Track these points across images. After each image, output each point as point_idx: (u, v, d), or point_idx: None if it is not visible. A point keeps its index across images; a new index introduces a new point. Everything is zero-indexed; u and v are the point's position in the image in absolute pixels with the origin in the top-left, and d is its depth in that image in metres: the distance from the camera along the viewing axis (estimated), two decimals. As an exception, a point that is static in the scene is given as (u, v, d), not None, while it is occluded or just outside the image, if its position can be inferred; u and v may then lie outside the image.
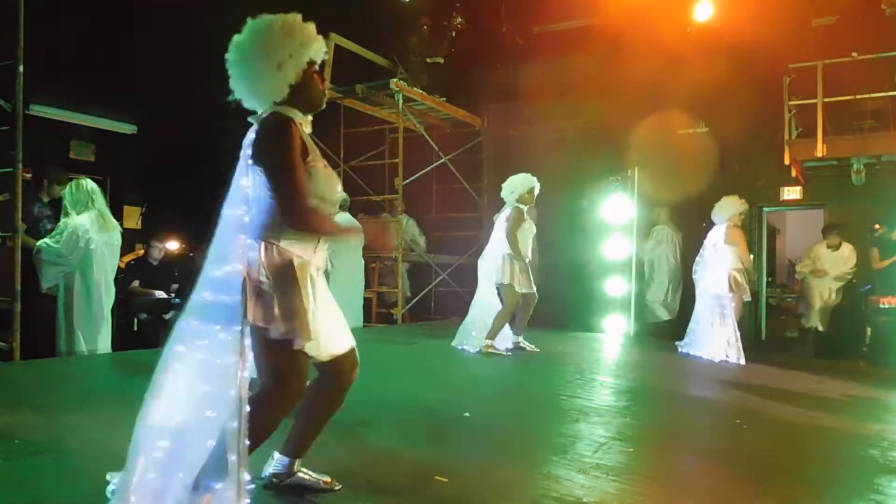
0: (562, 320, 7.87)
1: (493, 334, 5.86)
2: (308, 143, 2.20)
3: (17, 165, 4.71)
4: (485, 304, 6.04)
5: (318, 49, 2.24)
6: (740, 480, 2.85)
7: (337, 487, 2.40)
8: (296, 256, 2.14)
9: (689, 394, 5.08)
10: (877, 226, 7.41)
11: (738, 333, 6.33)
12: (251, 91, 2.17)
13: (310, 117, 2.29)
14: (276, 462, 2.38)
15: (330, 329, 2.26)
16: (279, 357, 2.11)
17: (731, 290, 6.31)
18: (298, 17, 2.21)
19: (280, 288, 2.10)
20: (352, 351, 2.34)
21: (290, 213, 2.11)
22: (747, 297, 6.44)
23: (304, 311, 2.10)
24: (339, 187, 2.30)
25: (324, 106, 2.32)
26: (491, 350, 5.82)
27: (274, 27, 2.14)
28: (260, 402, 2.09)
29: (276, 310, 2.07)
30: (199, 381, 2.01)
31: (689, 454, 3.23)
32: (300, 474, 2.39)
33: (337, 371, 2.30)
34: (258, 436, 2.09)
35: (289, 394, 2.15)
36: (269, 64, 2.13)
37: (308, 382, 2.25)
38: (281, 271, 2.11)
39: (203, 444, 2.00)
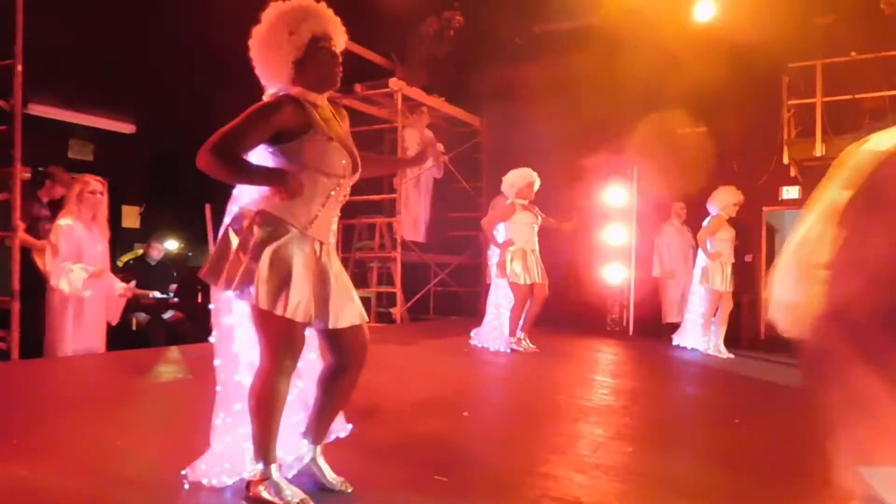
0: (561, 319, 7.87)
1: (511, 331, 5.92)
2: (312, 118, 2.22)
3: (15, 165, 4.71)
4: (498, 300, 6.09)
5: (324, 24, 2.27)
6: (739, 480, 2.85)
7: (349, 490, 2.37)
8: (286, 225, 2.17)
9: (688, 393, 5.09)
10: None
11: (714, 326, 6.43)
12: (264, 73, 2.26)
13: (324, 95, 2.32)
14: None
15: (333, 300, 2.26)
16: (262, 324, 2.17)
17: (701, 281, 6.47)
18: (309, 1, 2.26)
19: (252, 253, 2.14)
20: (359, 328, 2.34)
21: (203, 147, 2.09)
22: (719, 288, 6.44)
23: (277, 278, 2.13)
24: (345, 161, 2.28)
25: (336, 84, 2.34)
26: (519, 346, 5.89)
27: (278, 8, 2.23)
28: (256, 373, 2.19)
29: (242, 275, 2.13)
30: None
31: (688, 454, 3.23)
32: (314, 464, 2.38)
33: (342, 348, 2.31)
34: (260, 409, 2.18)
35: (277, 364, 2.16)
36: (273, 43, 2.21)
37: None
38: (258, 237, 2.15)
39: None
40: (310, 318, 2.19)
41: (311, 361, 2.43)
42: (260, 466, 2.20)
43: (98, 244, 4.85)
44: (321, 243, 2.28)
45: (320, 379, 2.39)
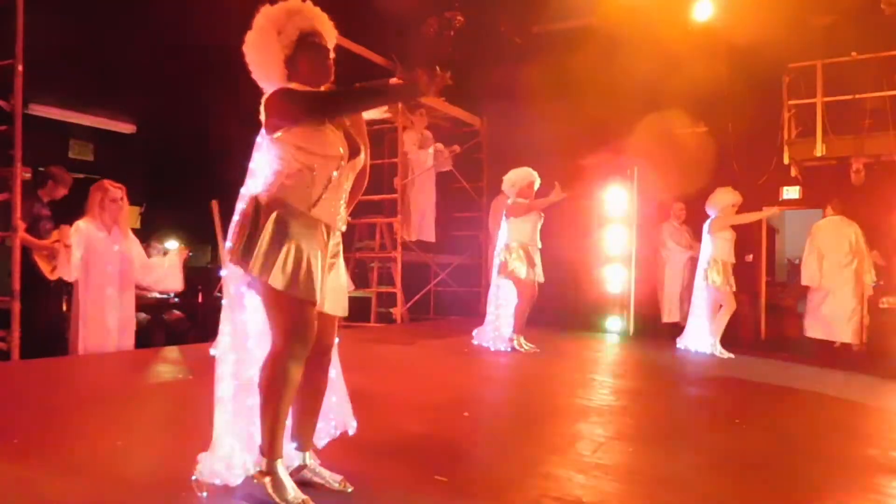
0: (561, 320, 7.88)
1: (518, 329, 5.91)
2: None
3: (16, 165, 4.71)
4: (499, 300, 6.08)
5: (310, 20, 2.31)
6: (740, 480, 2.85)
7: (349, 489, 2.36)
8: (292, 208, 2.21)
9: (689, 393, 5.09)
10: None
11: (716, 325, 6.43)
12: (260, 75, 2.32)
13: (318, 89, 2.35)
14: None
15: (327, 285, 2.29)
16: (275, 306, 2.19)
17: (704, 279, 6.45)
18: (295, 1, 2.31)
19: (264, 235, 2.17)
20: (335, 320, 2.36)
21: (309, 109, 2.23)
22: (725, 286, 6.45)
23: (289, 260, 2.16)
24: (342, 144, 2.29)
25: (329, 77, 2.37)
26: (520, 346, 5.87)
27: (264, 11, 2.29)
28: (267, 358, 2.21)
29: (260, 257, 2.16)
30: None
31: (689, 454, 3.23)
32: (308, 471, 2.37)
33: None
34: (268, 398, 2.19)
35: (288, 347, 2.17)
36: (263, 45, 2.27)
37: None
38: (268, 220, 2.19)
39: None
40: (318, 300, 2.21)
41: None
42: (265, 460, 2.21)
43: (116, 244, 5.01)
44: (328, 227, 2.29)
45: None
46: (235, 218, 2.29)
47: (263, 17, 2.28)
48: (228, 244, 2.26)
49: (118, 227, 5.02)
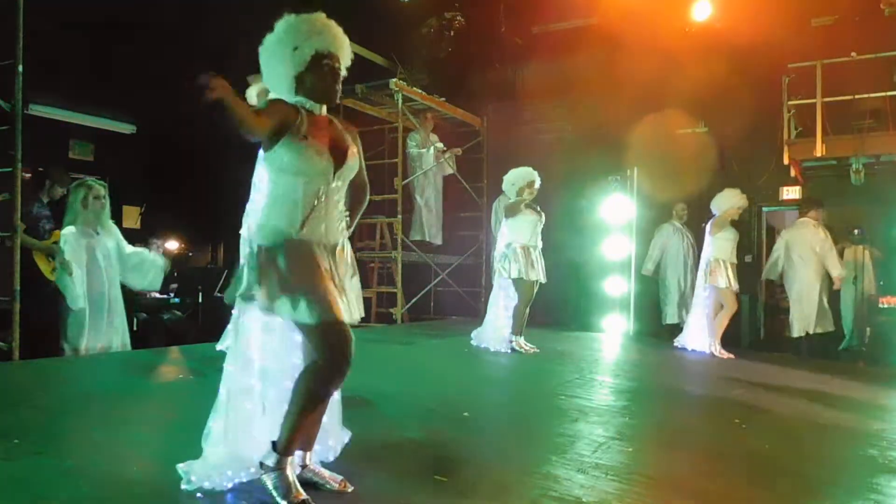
0: (561, 320, 7.88)
1: (517, 329, 5.91)
2: (294, 119, 2.26)
3: (16, 165, 4.71)
4: (499, 301, 6.06)
5: (328, 42, 2.31)
6: (740, 480, 2.85)
7: (349, 490, 2.36)
8: (285, 238, 2.22)
9: (689, 393, 5.08)
10: (855, 231, 7.44)
11: (716, 325, 6.42)
12: (269, 81, 2.35)
13: (321, 106, 2.38)
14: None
15: (343, 294, 2.29)
16: (310, 333, 2.20)
17: (707, 280, 6.43)
18: (317, 14, 2.32)
19: (275, 276, 2.18)
20: (348, 326, 2.34)
21: None
22: (726, 286, 6.44)
23: (307, 292, 2.15)
24: (325, 162, 2.28)
25: (334, 101, 2.40)
26: (519, 347, 5.87)
27: (287, 22, 2.29)
28: (312, 366, 2.22)
29: (280, 298, 2.17)
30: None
31: (689, 454, 3.23)
32: (308, 471, 2.37)
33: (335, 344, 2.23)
34: (303, 406, 2.20)
35: (333, 361, 2.18)
36: (277, 56, 2.28)
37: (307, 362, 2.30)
38: (275, 252, 2.20)
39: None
40: (346, 316, 2.23)
41: (295, 365, 2.38)
42: (276, 456, 2.22)
43: (107, 243, 4.96)
44: (322, 245, 2.28)
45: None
46: (243, 262, 2.30)
47: (284, 27, 2.29)
48: (246, 288, 2.25)
49: (100, 224, 4.95)
